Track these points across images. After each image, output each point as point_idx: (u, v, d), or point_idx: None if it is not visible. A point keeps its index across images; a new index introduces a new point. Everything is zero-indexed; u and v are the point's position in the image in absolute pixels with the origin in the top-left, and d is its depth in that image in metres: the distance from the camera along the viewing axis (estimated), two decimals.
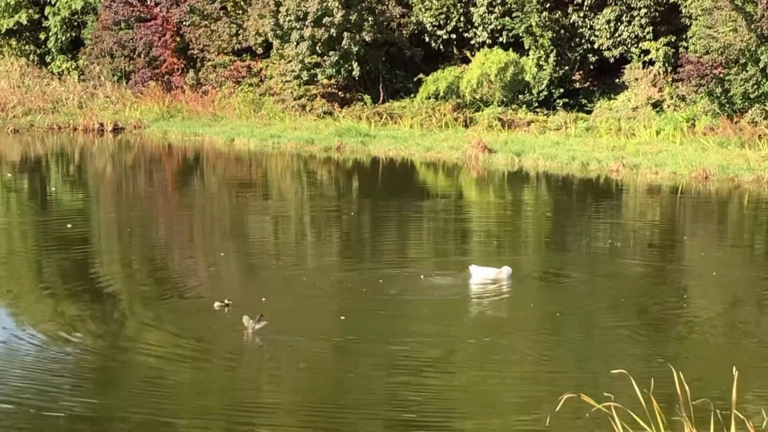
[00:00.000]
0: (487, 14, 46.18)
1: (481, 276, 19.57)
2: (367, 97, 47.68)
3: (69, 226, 25.31)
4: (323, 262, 22.04)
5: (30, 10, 59.03)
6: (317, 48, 46.92)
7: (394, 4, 48.27)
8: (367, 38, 46.67)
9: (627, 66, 44.36)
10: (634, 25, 43.74)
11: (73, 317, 17.02)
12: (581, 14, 44.66)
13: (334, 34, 46.48)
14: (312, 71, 47.65)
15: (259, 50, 50.65)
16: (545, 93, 44.60)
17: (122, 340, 15.91)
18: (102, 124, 48.55)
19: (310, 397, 13.64)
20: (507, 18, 45.84)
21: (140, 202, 31.68)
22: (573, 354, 15.51)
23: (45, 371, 14.26)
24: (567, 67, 45.12)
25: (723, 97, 39.54)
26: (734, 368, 10.09)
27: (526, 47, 45.13)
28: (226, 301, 17.30)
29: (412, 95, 47.20)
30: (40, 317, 17.13)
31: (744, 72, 38.74)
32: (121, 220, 27.59)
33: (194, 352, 15.34)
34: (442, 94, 45.38)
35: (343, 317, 17.19)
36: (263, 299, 17.96)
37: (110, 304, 18.12)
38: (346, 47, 46.51)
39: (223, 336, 15.93)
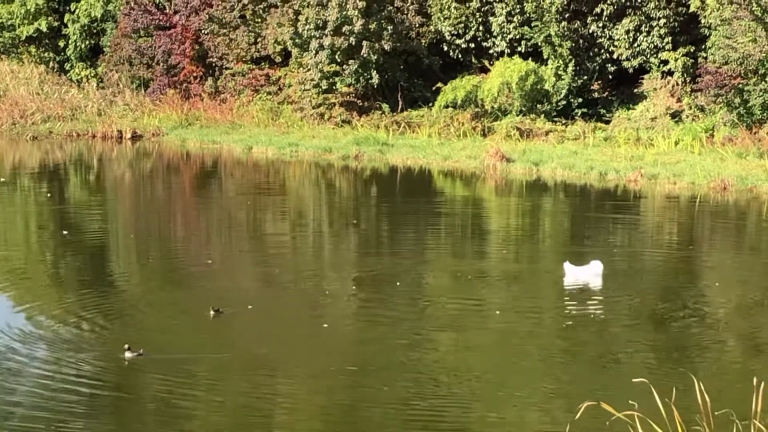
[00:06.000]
0: (506, 24, 46.14)
1: (575, 274, 20.40)
2: (385, 106, 47.68)
3: (65, 233, 25.48)
4: (330, 271, 22.08)
5: (50, 18, 59.25)
6: (336, 56, 46.98)
7: (413, 14, 48.29)
8: (386, 47, 46.70)
9: (646, 76, 44.25)
10: (653, 36, 43.64)
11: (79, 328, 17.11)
12: (600, 24, 44.58)
13: (354, 43, 46.54)
14: (331, 80, 47.68)
15: (278, 59, 50.69)
16: (564, 102, 44.54)
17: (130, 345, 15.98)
18: (120, 132, 48.66)
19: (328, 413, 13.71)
20: (526, 27, 45.79)
21: (154, 209, 31.76)
22: (593, 362, 15.48)
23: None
24: (586, 77, 45.04)
25: (742, 108, 39.42)
26: (755, 379, 10.07)
27: (545, 57, 45.08)
28: (218, 309, 17.44)
29: (431, 104, 47.18)
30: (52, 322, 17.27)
31: (763, 82, 38.63)
32: (131, 225, 27.71)
33: (204, 370, 15.38)
34: (460, 103, 45.35)
35: (325, 325, 17.23)
36: (249, 307, 18.10)
37: (115, 309, 18.20)
38: (365, 56, 46.55)
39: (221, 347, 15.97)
